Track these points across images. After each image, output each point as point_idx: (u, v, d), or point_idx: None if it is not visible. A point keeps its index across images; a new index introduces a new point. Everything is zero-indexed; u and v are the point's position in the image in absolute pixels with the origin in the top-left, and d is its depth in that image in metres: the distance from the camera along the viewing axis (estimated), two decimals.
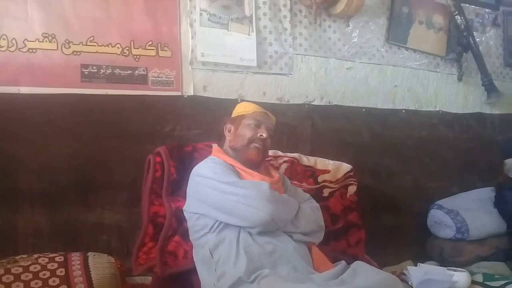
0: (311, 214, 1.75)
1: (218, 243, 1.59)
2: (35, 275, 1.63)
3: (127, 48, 2.24)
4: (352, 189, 2.29)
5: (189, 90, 2.37)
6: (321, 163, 2.32)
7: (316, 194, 2.12)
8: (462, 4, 3.10)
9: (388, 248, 2.62)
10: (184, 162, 1.96)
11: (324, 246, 1.84)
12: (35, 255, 1.74)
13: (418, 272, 2.10)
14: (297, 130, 2.63)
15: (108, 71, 2.20)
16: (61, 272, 1.68)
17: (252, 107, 1.86)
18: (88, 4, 2.18)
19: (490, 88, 3.14)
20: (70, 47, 2.14)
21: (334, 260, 1.73)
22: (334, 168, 2.31)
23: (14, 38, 2.05)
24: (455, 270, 2.12)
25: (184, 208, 1.76)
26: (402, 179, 2.93)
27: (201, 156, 1.93)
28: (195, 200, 1.69)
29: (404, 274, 2.20)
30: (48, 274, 1.65)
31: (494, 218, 2.70)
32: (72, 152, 2.12)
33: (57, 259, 1.73)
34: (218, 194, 1.61)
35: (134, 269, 1.83)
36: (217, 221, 1.62)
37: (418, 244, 2.85)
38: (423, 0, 3.05)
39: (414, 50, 3.01)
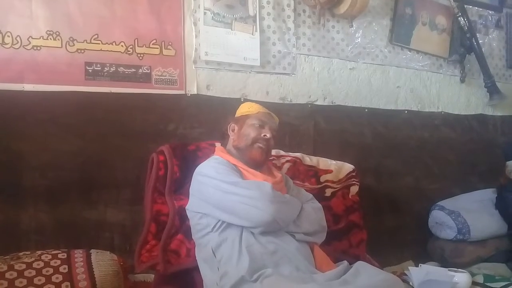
0: (314, 215, 1.76)
1: (221, 242, 1.59)
2: (38, 272, 1.64)
3: (131, 46, 2.24)
4: (354, 189, 2.29)
5: (192, 89, 2.37)
6: (323, 163, 2.33)
7: (318, 194, 2.12)
8: (465, 6, 3.12)
9: (389, 248, 2.64)
10: (187, 161, 1.96)
11: (326, 246, 1.84)
12: (38, 252, 1.75)
13: (419, 272, 2.10)
14: (299, 130, 2.63)
15: (112, 69, 2.21)
16: (64, 269, 1.69)
17: (256, 107, 1.87)
18: (93, 2, 2.18)
19: (492, 89, 3.16)
20: (74, 44, 2.14)
21: (336, 260, 1.73)
22: (337, 168, 2.31)
23: (18, 35, 2.05)
24: (456, 271, 2.12)
25: (186, 207, 1.77)
26: (404, 180, 2.94)
27: (204, 155, 1.94)
28: (198, 200, 1.70)
29: (405, 274, 2.20)
30: (51, 270, 1.67)
31: (495, 220, 2.71)
32: (75, 150, 2.12)
33: (60, 256, 1.74)
34: (220, 194, 1.61)
35: (137, 267, 1.84)
36: (219, 220, 1.62)
37: (419, 244, 2.86)
38: (427, 2, 3.05)
39: (417, 51, 3.02)
